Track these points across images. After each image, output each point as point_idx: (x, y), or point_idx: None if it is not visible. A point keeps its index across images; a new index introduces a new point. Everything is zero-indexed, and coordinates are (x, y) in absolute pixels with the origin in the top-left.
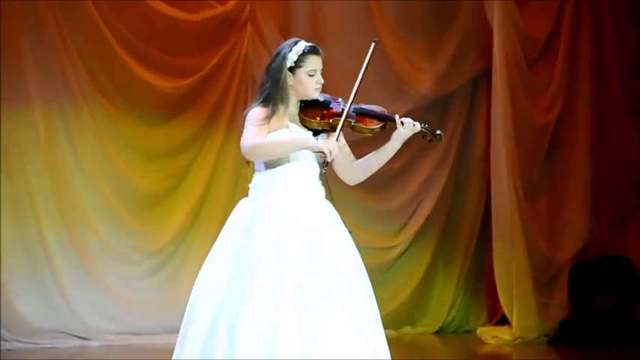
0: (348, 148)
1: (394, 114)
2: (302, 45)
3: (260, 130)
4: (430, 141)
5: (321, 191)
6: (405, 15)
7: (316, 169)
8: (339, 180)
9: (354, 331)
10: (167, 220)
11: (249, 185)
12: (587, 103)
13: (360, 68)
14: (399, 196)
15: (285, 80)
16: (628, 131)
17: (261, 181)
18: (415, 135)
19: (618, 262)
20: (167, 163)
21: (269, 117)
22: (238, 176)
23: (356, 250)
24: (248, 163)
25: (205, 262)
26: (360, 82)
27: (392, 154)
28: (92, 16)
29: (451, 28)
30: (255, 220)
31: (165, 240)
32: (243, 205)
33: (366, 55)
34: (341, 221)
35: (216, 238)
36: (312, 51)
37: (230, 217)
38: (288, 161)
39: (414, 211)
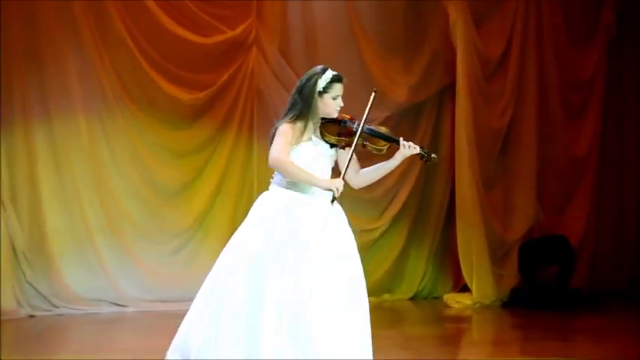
0: (355, 158)
1: (373, 123)
2: (330, 73)
3: (288, 145)
4: (426, 162)
5: (329, 192)
6: (384, 38)
7: (328, 171)
8: (335, 176)
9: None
10: (188, 207)
11: (271, 180)
12: (534, 109)
13: (351, 84)
14: (380, 187)
15: (315, 102)
16: (566, 133)
17: (283, 180)
18: (413, 156)
19: (558, 240)
20: (187, 160)
21: (298, 132)
22: (246, 171)
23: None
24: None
25: (230, 243)
26: (367, 113)
27: (391, 170)
28: (125, 40)
29: (422, 48)
30: (274, 210)
31: (187, 223)
32: (264, 197)
33: (368, 105)
34: (345, 218)
35: (228, 224)
36: (338, 79)
37: (253, 208)
38: (308, 165)
39: (392, 199)
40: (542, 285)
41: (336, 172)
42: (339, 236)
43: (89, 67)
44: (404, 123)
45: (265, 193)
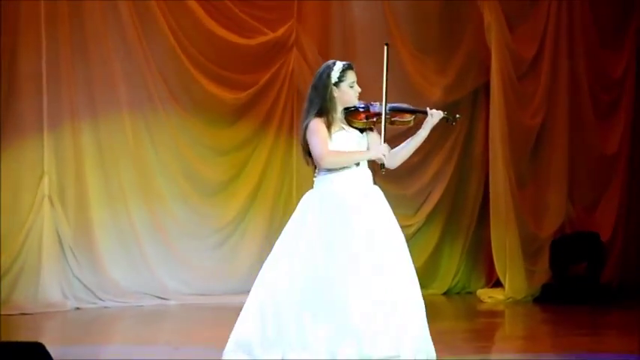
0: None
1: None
2: (340, 64)
3: (325, 138)
4: (453, 123)
5: (370, 178)
6: (420, 38)
7: (367, 173)
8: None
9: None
10: (229, 204)
11: (314, 179)
12: (565, 109)
13: (382, 80)
14: (415, 185)
15: (331, 94)
16: (597, 132)
17: (325, 176)
18: (440, 120)
19: (589, 236)
20: (229, 158)
21: (327, 125)
22: (285, 169)
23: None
24: (308, 162)
25: (278, 243)
26: (386, 83)
27: (422, 141)
28: (169, 41)
29: (457, 49)
30: (321, 206)
31: (227, 220)
32: (309, 195)
33: (384, 61)
34: (386, 201)
35: (268, 221)
36: (349, 67)
37: (299, 205)
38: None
39: (426, 197)
40: (572, 280)
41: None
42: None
43: (134, 67)
44: (438, 123)
45: (310, 190)
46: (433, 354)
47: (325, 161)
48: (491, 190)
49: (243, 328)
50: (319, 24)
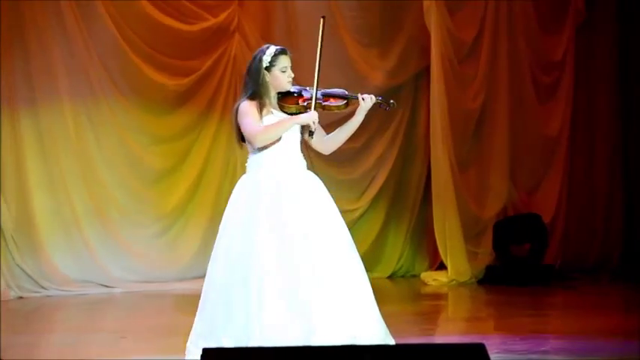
0: (319, 125)
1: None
2: (273, 48)
3: (256, 118)
4: (386, 109)
5: (303, 163)
6: (362, 24)
7: (297, 144)
8: (314, 159)
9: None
10: (172, 192)
11: (246, 165)
12: (506, 92)
13: (325, 65)
14: (359, 169)
15: (263, 78)
16: (538, 115)
17: (256, 160)
18: (374, 106)
19: (531, 218)
20: (171, 145)
21: (258, 108)
22: (229, 156)
23: (337, 210)
24: (241, 146)
25: (220, 231)
26: (319, 62)
27: (357, 126)
28: (109, 28)
29: (399, 34)
30: (253, 192)
31: (170, 207)
32: (242, 181)
33: (319, 35)
34: (323, 186)
35: (211, 208)
36: (281, 52)
37: (234, 191)
38: (277, 141)
39: (370, 181)
40: (516, 262)
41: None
42: (314, 198)
43: (74, 54)
44: (376, 108)
45: (243, 176)
46: (388, 338)
47: (258, 139)
48: (432, 173)
49: (198, 318)
50: (261, 9)
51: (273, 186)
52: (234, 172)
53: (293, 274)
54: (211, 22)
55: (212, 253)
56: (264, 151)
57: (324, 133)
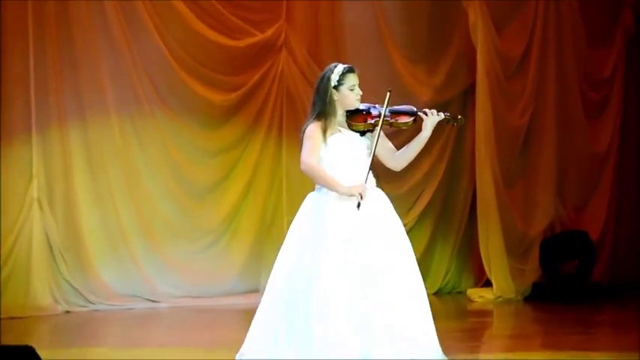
0: (390, 144)
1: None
2: (341, 67)
3: (317, 143)
4: (454, 125)
5: (372, 180)
6: (410, 40)
7: (365, 161)
8: None
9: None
10: (218, 206)
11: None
12: (553, 108)
13: (373, 80)
14: (406, 185)
15: (331, 97)
16: (586, 131)
17: None
18: (440, 122)
19: (579, 235)
20: (218, 159)
21: (323, 130)
22: (276, 171)
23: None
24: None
25: (283, 245)
26: (388, 99)
27: (425, 141)
28: (157, 43)
29: (447, 49)
30: (319, 208)
31: (217, 221)
32: (309, 197)
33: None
34: (390, 203)
35: (258, 222)
36: (349, 70)
37: (300, 208)
38: (344, 159)
39: (418, 197)
40: (563, 279)
41: (378, 163)
42: (383, 217)
43: (122, 69)
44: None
45: (312, 193)
46: (438, 355)
47: (302, 167)
48: (477, 190)
49: (254, 332)
50: (308, 25)
51: (338, 203)
52: (280, 186)
53: (355, 290)
54: (258, 37)
55: (273, 268)
56: (332, 169)
57: (394, 149)
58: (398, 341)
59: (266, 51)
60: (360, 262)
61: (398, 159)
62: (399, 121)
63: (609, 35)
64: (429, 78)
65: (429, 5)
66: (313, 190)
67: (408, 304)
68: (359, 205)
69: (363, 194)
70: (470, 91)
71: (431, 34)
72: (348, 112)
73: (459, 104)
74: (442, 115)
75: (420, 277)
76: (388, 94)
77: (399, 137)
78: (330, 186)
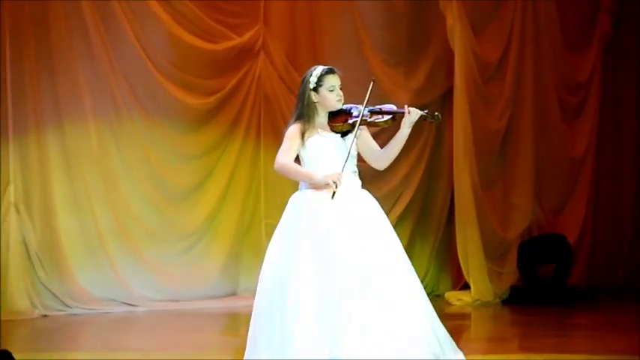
0: (373, 145)
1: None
2: (320, 69)
3: (292, 145)
4: (432, 122)
5: (355, 180)
6: (388, 44)
7: (348, 166)
8: None
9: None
10: (196, 210)
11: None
12: (531, 112)
13: (351, 84)
14: (385, 187)
15: (309, 99)
16: (563, 134)
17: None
18: (419, 119)
19: (556, 238)
20: (196, 163)
21: (302, 131)
22: (254, 174)
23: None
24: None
25: (271, 243)
26: (368, 96)
27: (405, 139)
28: (134, 46)
29: (425, 53)
30: (296, 209)
31: (195, 225)
32: (291, 198)
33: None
34: (375, 202)
35: (235, 225)
36: (328, 72)
37: (287, 208)
38: (326, 159)
39: (397, 199)
40: (540, 282)
41: (363, 165)
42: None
43: (100, 73)
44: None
45: (296, 193)
46: (446, 353)
47: (275, 167)
48: (455, 193)
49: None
50: (286, 28)
51: (318, 202)
52: (257, 189)
53: (331, 289)
54: (236, 41)
55: (261, 269)
56: (314, 169)
57: (377, 149)
58: (379, 340)
59: (244, 54)
60: (339, 262)
61: (381, 158)
62: (378, 120)
63: (587, 39)
64: (407, 81)
65: (408, 9)
66: (292, 192)
67: (407, 303)
68: (334, 194)
69: (337, 182)
70: (448, 94)
71: (409, 38)
72: (330, 113)
73: (437, 107)
74: (420, 113)
75: (416, 276)
76: (372, 82)
77: (382, 135)
78: (304, 177)
